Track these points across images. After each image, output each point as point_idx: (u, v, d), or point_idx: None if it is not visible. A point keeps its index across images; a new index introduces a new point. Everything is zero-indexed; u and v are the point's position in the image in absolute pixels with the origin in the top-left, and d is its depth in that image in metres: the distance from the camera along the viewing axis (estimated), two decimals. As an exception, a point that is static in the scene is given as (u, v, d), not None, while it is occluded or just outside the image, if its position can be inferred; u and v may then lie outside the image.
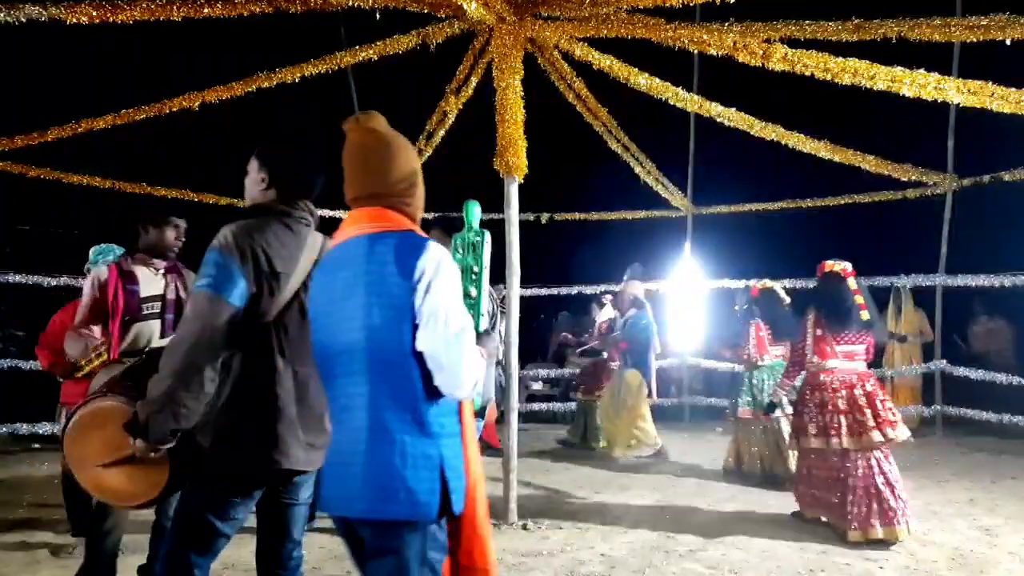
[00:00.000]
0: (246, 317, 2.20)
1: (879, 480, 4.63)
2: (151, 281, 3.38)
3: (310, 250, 2.36)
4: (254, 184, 2.43)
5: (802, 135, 7.38)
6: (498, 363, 4.99)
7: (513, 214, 5.24)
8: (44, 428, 7.67)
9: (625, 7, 5.24)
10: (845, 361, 4.88)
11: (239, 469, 2.27)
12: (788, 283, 9.45)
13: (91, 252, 4.38)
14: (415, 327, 1.83)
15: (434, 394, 1.85)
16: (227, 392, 2.23)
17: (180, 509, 2.31)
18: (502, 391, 5.13)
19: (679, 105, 6.91)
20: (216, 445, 2.23)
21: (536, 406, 10.27)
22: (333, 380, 1.94)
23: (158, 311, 3.33)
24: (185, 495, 2.33)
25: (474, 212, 2.52)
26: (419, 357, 1.83)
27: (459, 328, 1.85)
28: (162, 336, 3.28)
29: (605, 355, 8.27)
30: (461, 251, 2.43)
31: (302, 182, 2.45)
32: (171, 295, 3.37)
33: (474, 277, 2.38)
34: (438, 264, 1.86)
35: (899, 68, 4.90)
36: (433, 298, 1.83)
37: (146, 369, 2.60)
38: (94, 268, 4.10)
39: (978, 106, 5.07)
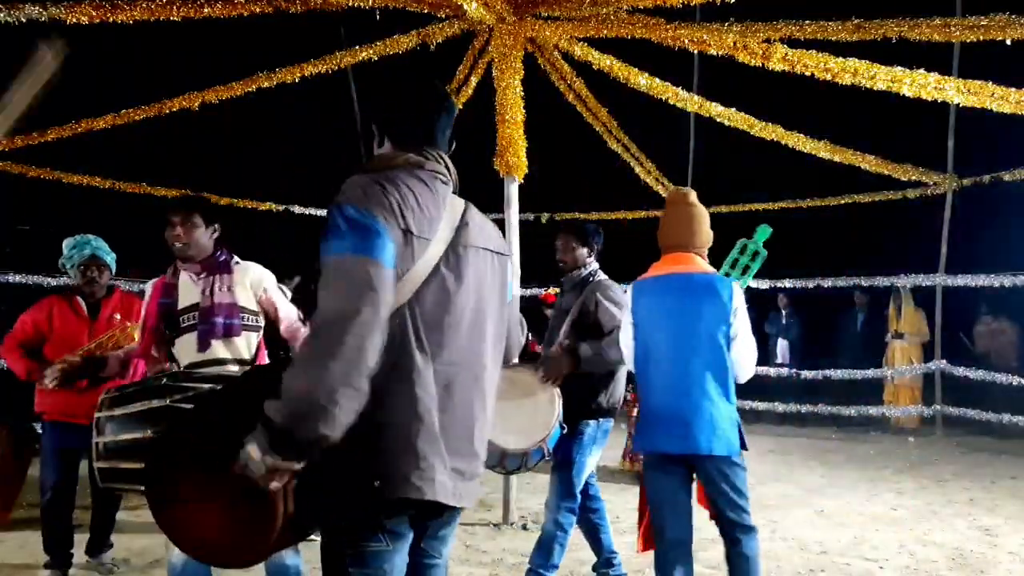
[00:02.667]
0: None
1: None
2: (190, 290, 2.95)
3: (451, 215, 1.81)
4: (374, 146, 1.91)
5: (802, 135, 7.38)
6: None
7: (513, 214, 5.24)
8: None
9: (625, 7, 5.24)
10: None
11: (365, 502, 1.66)
12: (788, 283, 9.47)
13: (64, 246, 3.95)
14: (729, 338, 2.86)
15: (733, 379, 2.92)
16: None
17: (323, 562, 1.77)
18: None
19: (679, 105, 6.91)
20: (336, 468, 1.63)
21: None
22: (662, 370, 2.87)
23: (194, 322, 2.90)
24: (323, 547, 1.77)
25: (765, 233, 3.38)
26: (727, 355, 2.87)
27: (752, 338, 2.93)
28: (199, 351, 2.85)
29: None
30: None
31: (420, 124, 1.88)
32: (205, 302, 2.89)
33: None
34: (741, 296, 2.91)
35: (899, 68, 4.90)
36: (741, 319, 2.88)
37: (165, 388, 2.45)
38: (69, 265, 3.93)
39: (978, 106, 5.07)
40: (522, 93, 5.28)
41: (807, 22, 5.05)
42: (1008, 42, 4.67)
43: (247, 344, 2.98)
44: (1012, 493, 5.88)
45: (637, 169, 9.18)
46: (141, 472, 2.30)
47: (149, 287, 3.05)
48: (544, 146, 5.86)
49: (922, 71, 4.92)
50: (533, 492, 5.82)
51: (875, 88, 5.00)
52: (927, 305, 8.95)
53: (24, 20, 4.86)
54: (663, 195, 9.84)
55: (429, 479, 1.66)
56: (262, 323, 3.06)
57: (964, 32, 4.80)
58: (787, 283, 9.46)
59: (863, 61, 4.92)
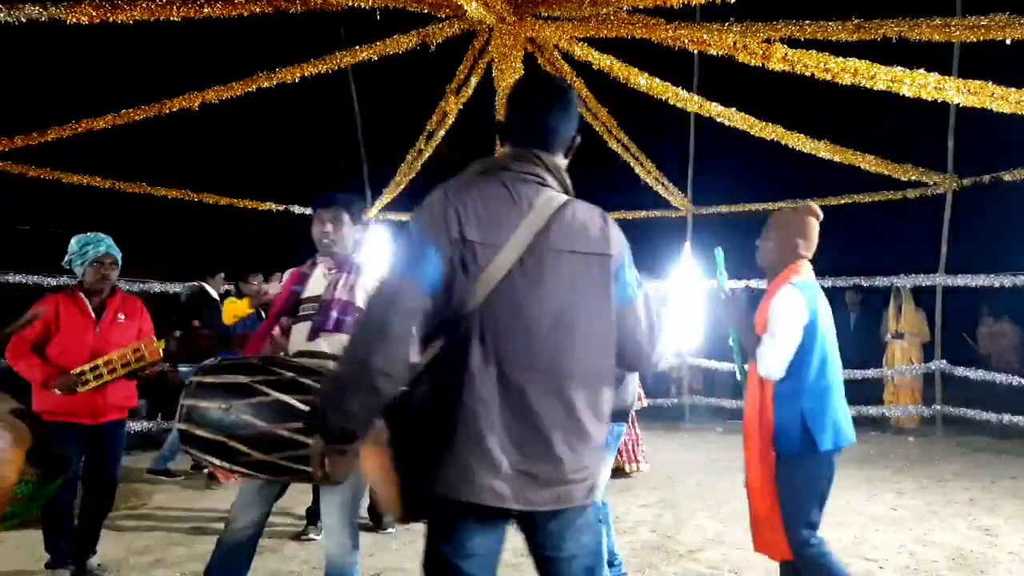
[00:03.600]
0: (441, 303, 1.74)
1: None
2: (319, 282, 3.06)
3: (535, 218, 1.79)
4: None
5: (802, 135, 7.38)
6: None
7: (513, 214, 5.23)
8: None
9: (625, 7, 5.25)
10: None
11: (420, 500, 1.77)
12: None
13: (74, 242, 3.90)
14: None
15: None
16: (426, 398, 1.76)
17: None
18: None
19: (679, 105, 6.91)
20: (404, 465, 1.77)
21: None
22: (836, 370, 2.96)
23: (312, 312, 3.00)
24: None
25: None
26: None
27: None
28: (309, 339, 2.95)
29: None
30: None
31: (524, 125, 1.90)
32: (327, 295, 2.98)
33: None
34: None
35: (899, 68, 4.90)
36: None
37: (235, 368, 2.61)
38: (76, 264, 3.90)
39: (978, 106, 5.07)
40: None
41: (807, 22, 5.06)
42: (1008, 42, 4.68)
43: None
44: (1012, 493, 5.88)
45: (637, 169, 9.18)
46: (211, 443, 2.52)
47: (287, 274, 3.20)
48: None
49: (922, 71, 4.91)
50: (533, 492, 5.82)
51: (875, 88, 5.00)
52: (927, 305, 8.94)
53: (24, 20, 4.86)
54: (663, 195, 9.86)
55: (469, 482, 1.69)
56: None
57: (964, 32, 4.80)
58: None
59: (863, 61, 4.92)
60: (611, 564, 3.83)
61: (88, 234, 3.94)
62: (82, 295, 3.92)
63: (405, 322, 1.69)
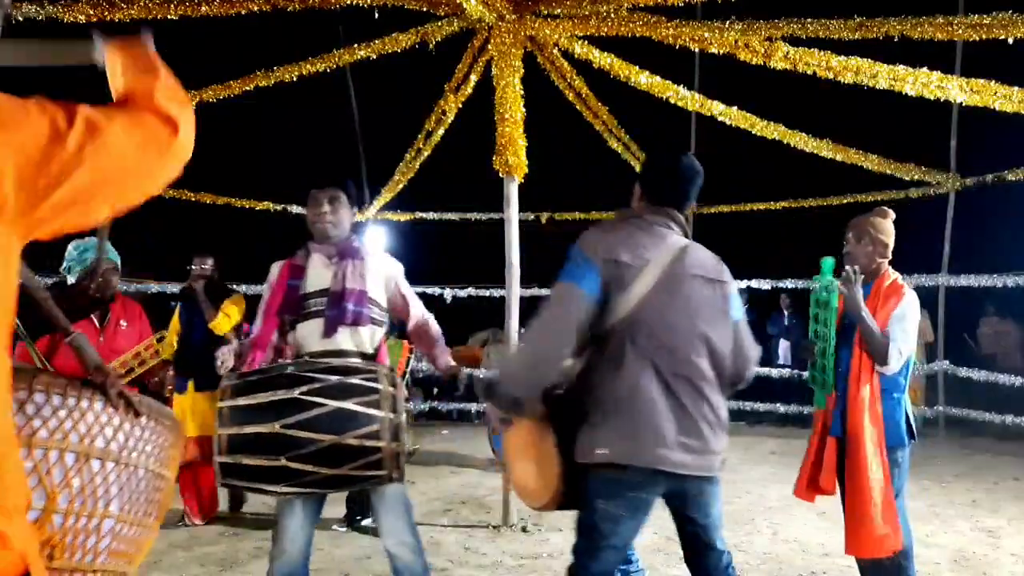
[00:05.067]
0: (599, 312, 2.20)
1: None
2: (321, 273, 2.79)
3: (666, 249, 2.29)
4: (634, 197, 2.48)
5: (804, 134, 7.34)
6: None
7: (513, 214, 5.20)
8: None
9: (626, 5, 5.20)
10: None
11: (606, 469, 2.20)
12: (789, 283, 9.43)
13: (72, 248, 3.75)
14: None
15: None
16: (592, 389, 2.24)
17: (577, 516, 2.34)
18: None
19: (680, 104, 6.88)
20: (580, 436, 2.24)
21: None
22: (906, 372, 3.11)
23: (322, 308, 2.73)
24: (580, 503, 2.31)
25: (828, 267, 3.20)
26: None
27: None
28: (323, 337, 2.71)
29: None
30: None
31: (669, 192, 2.43)
32: (336, 286, 2.73)
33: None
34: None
35: (902, 67, 4.87)
36: None
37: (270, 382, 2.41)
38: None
39: (981, 105, 5.04)
40: (522, 92, 5.25)
41: (809, 20, 5.01)
42: (1011, 41, 4.64)
43: (371, 337, 2.78)
44: (1015, 494, 5.85)
45: (637, 168, 9.13)
46: (264, 470, 2.34)
47: (275, 269, 2.88)
48: (544, 145, 5.83)
49: (925, 70, 4.89)
50: (533, 493, 5.79)
51: (877, 87, 4.97)
52: (930, 305, 8.91)
53: (21, 19, 4.83)
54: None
55: (650, 451, 2.15)
56: (387, 320, 2.90)
57: (967, 31, 4.76)
58: (789, 283, 9.42)
59: (865, 60, 4.89)
60: (628, 560, 3.82)
61: (86, 239, 3.77)
62: None
63: (577, 324, 2.15)
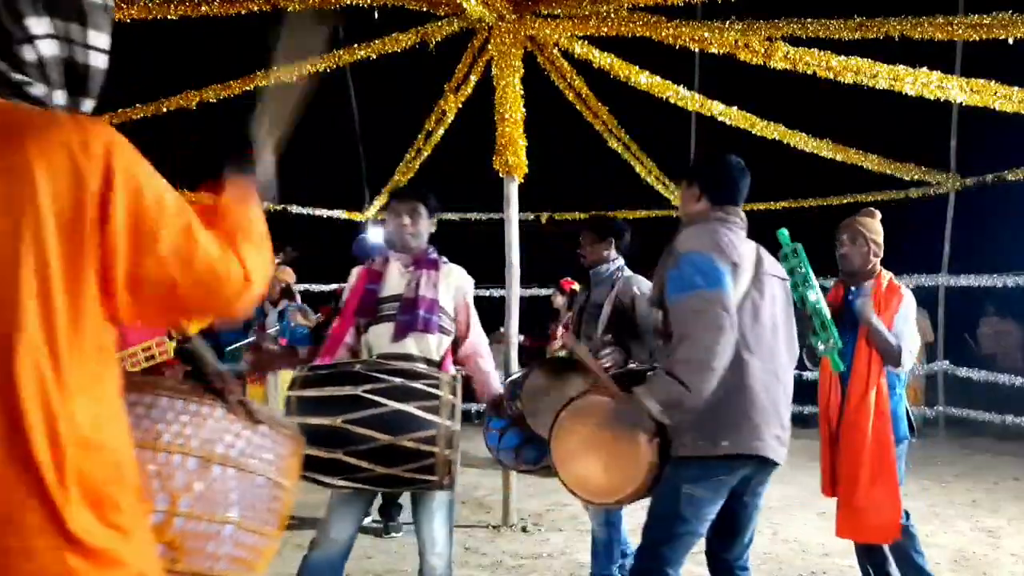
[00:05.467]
0: None
1: None
2: (396, 280, 2.92)
3: (749, 250, 2.51)
4: (690, 199, 2.59)
5: (804, 134, 7.34)
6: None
7: (513, 214, 5.20)
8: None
9: (626, 5, 5.20)
10: None
11: (702, 458, 2.34)
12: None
13: None
14: None
15: None
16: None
17: (653, 508, 2.49)
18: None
19: (680, 104, 6.88)
20: (692, 432, 2.34)
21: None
22: None
23: (393, 312, 2.87)
24: (658, 493, 2.46)
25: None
26: None
27: None
28: (393, 340, 2.83)
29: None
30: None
31: (730, 190, 2.59)
32: (409, 293, 2.86)
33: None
34: None
35: (902, 67, 4.87)
36: None
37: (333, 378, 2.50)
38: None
39: (981, 105, 5.04)
40: (522, 92, 5.25)
41: (809, 20, 5.01)
42: (1011, 41, 4.64)
43: (438, 344, 2.90)
44: (1015, 495, 5.85)
45: (637, 168, 9.14)
46: (321, 461, 2.39)
47: (355, 272, 3.05)
48: (544, 145, 5.83)
49: (925, 70, 4.89)
50: (533, 494, 5.79)
51: (877, 87, 4.97)
52: (930, 305, 8.91)
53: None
54: (664, 195, 9.82)
55: (761, 440, 2.35)
56: (453, 329, 2.98)
57: (967, 31, 4.76)
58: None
59: (865, 60, 4.89)
60: (625, 555, 3.83)
61: None
62: None
63: (729, 322, 2.27)
